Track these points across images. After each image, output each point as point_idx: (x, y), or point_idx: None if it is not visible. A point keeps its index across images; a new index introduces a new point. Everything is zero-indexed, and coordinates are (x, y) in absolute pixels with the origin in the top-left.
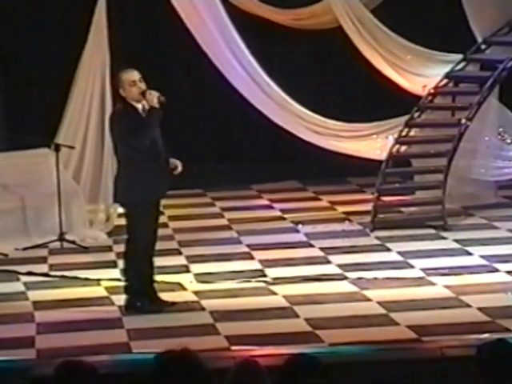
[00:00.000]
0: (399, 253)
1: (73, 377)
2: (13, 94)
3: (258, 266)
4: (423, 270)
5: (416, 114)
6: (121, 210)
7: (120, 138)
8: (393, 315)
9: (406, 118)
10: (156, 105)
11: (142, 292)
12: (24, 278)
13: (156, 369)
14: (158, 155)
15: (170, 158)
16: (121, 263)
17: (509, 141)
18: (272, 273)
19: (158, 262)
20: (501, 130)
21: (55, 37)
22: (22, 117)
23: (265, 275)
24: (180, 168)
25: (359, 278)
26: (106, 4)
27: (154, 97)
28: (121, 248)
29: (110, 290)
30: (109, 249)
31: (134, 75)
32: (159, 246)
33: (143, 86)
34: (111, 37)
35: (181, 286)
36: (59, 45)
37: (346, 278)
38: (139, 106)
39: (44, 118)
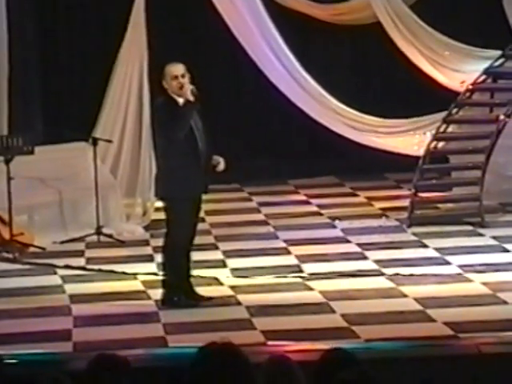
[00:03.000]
0: (436, 249)
1: (106, 370)
2: (51, 88)
3: (295, 262)
4: (460, 266)
5: (454, 111)
6: (158, 203)
7: (158, 130)
8: (429, 311)
9: (443, 114)
10: (190, 97)
11: (178, 286)
12: (61, 272)
13: (198, 361)
14: (196, 151)
15: (214, 155)
16: (158, 257)
17: None
18: (308, 268)
19: (195, 256)
20: None
21: (93, 31)
22: (60, 111)
23: (301, 270)
24: (222, 165)
25: (396, 274)
26: None
27: (187, 90)
28: (157, 242)
29: (146, 283)
30: (145, 243)
31: (177, 70)
32: (196, 240)
33: (185, 81)
34: (149, 31)
35: (217, 281)
36: (97, 39)
37: (382, 273)
38: (180, 100)
39: (82, 112)
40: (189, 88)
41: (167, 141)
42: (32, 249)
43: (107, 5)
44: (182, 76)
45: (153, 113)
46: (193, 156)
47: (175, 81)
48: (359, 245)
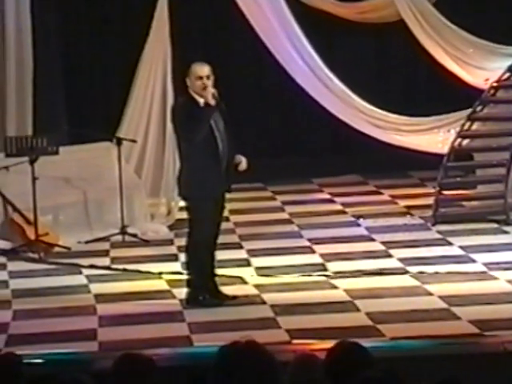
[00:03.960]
0: (461, 247)
1: (131, 370)
2: (75, 88)
3: (319, 260)
4: (485, 264)
5: (478, 108)
6: (182, 203)
7: (178, 131)
8: (454, 309)
9: (468, 111)
10: (211, 101)
11: (203, 285)
12: (86, 271)
13: (221, 360)
14: (217, 151)
15: (236, 154)
16: (182, 257)
17: None
18: (333, 267)
19: (219, 255)
20: None
21: (117, 31)
22: (84, 111)
23: (326, 269)
24: (245, 164)
25: (420, 272)
26: None
27: (209, 93)
28: (182, 241)
29: (171, 283)
30: (170, 242)
31: (202, 70)
32: (220, 239)
33: (209, 83)
34: (173, 31)
35: (242, 280)
36: (121, 39)
37: (407, 272)
38: (201, 101)
39: (106, 111)
40: (211, 91)
41: (187, 142)
42: (57, 249)
43: (131, 3)
44: (207, 77)
45: (173, 113)
46: (213, 157)
47: (199, 81)
48: (383, 243)
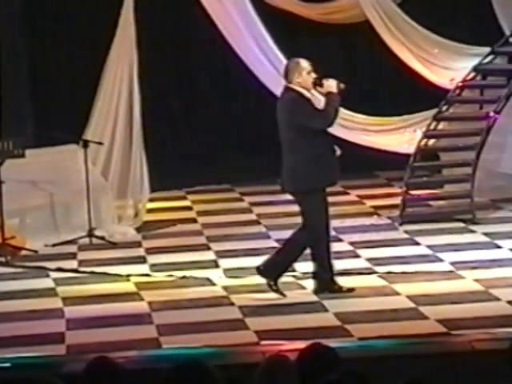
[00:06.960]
0: (428, 246)
1: (103, 374)
2: (41, 90)
3: None
4: (452, 263)
5: (444, 108)
6: (150, 205)
7: (300, 123)
8: (422, 309)
9: (433, 111)
10: (335, 89)
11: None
12: (53, 274)
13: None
14: (329, 140)
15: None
16: (151, 259)
17: None
18: (301, 267)
19: (187, 257)
20: None
21: (83, 32)
22: (51, 114)
23: (294, 270)
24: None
25: (388, 272)
26: None
27: (332, 83)
28: (150, 244)
29: (139, 285)
30: (138, 244)
31: (310, 65)
32: (188, 241)
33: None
34: (138, 32)
35: (210, 282)
36: (87, 41)
37: (374, 272)
38: (308, 95)
39: (72, 114)
40: (334, 81)
41: (311, 134)
42: (24, 252)
43: (96, 6)
44: None
45: (292, 106)
46: (326, 146)
47: (312, 74)
48: (351, 243)
